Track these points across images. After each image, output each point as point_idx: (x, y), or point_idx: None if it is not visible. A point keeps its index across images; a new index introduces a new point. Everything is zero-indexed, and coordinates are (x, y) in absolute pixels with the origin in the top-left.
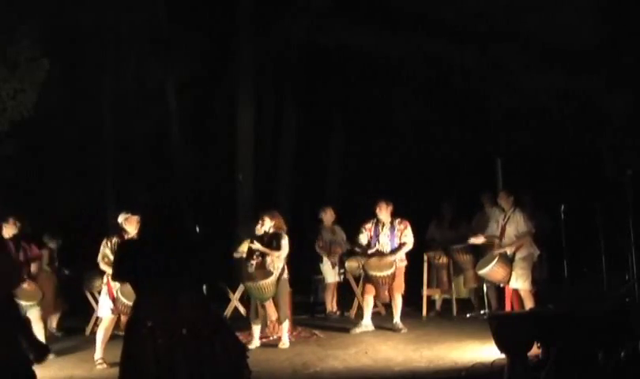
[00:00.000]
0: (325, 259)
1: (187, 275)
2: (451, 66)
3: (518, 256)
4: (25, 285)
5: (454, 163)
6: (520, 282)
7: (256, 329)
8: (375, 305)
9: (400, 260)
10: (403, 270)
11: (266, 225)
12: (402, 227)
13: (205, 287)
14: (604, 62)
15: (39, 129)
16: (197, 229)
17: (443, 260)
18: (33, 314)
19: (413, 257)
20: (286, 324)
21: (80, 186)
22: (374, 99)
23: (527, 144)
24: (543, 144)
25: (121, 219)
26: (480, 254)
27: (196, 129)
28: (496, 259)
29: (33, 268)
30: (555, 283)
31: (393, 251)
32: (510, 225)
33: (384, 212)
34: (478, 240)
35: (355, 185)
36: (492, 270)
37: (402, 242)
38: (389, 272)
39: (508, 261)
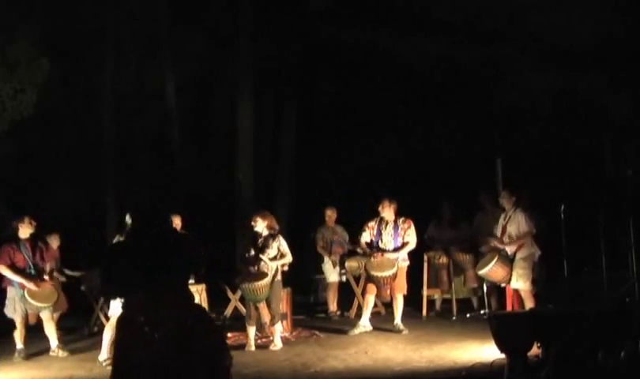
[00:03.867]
0: (326, 258)
1: (168, 274)
2: (452, 66)
3: (519, 256)
4: (40, 286)
5: (454, 163)
6: (520, 282)
7: (251, 331)
8: (375, 305)
9: (403, 259)
10: (405, 270)
11: (259, 226)
12: (406, 226)
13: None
14: (605, 62)
15: (39, 129)
16: (178, 228)
17: (443, 260)
18: (45, 315)
19: (413, 257)
20: (278, 326)
21: (80, 186)
22: (374, 99)
23: (527, 144)
24: (543, 143)
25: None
26: (480, 254)
27: (196, 129)
28: (495, 259)
29: (47, 267)
30: (555, 283)
31: (396, 249)
32: (511, 225)
33: (387, 211)
34: (487, 247)
35: (355, 185)
36: (492, 270)
37: (405, 241)
38: (391, 272)
39: (508, 261)
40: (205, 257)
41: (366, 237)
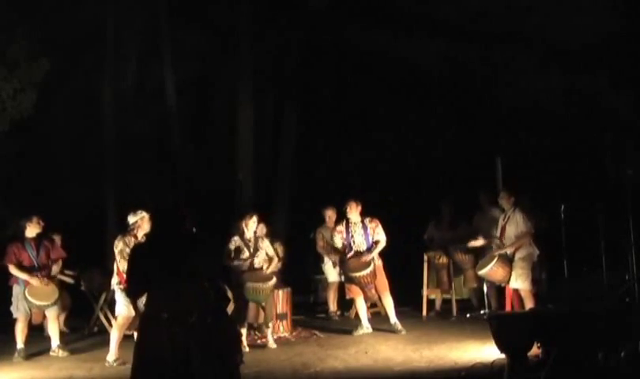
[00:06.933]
0: (326, 258)
1: (187, 270)
2: (453, 66)
3: (518, 256)
4: (43, 284)
5: (454, 163)
6: (520, 282)
7: (242, 331)
8: (375, 305)
9: (377, 258)
10: (381, 268)
11: (253, 226)
12: (374, 225)
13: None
14: (606, 62)
15: (39, 129)
16: (195, 228)
17: (443, 260)
18: (51, 313)
19: (413, 257)
20: (271, 326)
21: (80, 186)
22: (374, 99)
23: (528, 144)
24: (544, 143)
25: (136, 218)
26: (479, 254)
27: (196, 128)
28: (495, 259)
29: (55, 268)
30: (555, 283)
31: (369, 249)
32: (510, 225)
33: (354, 212)
34: (477, 243)
35: (355, 185)
36: (492, 270)
37: (375, 240)
38: (368, 270)
39: (508, 261)
40: (221, 256)
41: (338, 242)
